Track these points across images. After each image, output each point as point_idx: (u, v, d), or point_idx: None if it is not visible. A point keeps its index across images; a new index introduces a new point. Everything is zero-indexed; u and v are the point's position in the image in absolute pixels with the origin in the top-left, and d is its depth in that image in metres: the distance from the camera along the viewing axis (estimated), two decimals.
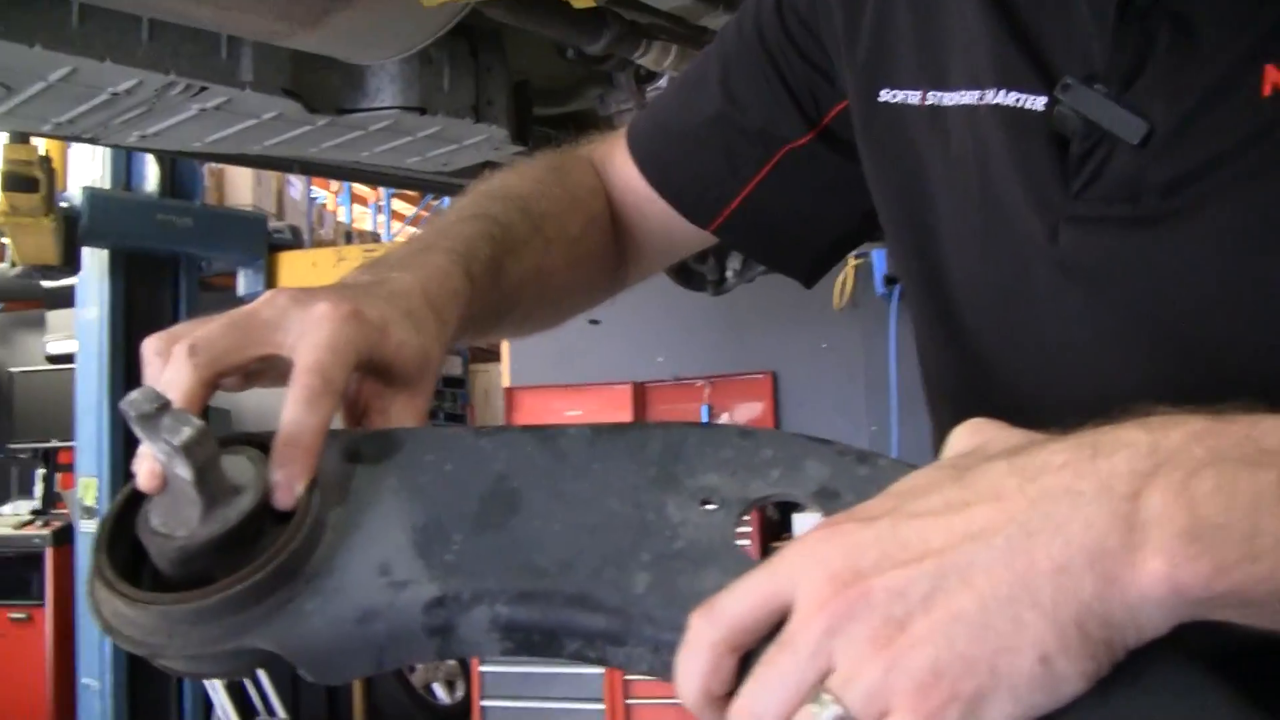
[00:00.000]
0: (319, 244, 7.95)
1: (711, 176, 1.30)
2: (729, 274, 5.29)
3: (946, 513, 0.66)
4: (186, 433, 0.75)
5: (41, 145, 4.10)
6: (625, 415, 8.34)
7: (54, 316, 8.95)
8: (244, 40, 2.86)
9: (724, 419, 8.16)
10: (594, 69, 3.51)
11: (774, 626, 0.67)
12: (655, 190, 1.33)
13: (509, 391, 8.81)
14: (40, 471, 9.12)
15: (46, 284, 6.61)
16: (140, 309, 4.58)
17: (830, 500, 0.77)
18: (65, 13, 2.56)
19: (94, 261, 4.48)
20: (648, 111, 1.39)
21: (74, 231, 4.19)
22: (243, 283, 5.16)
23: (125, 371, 4.51)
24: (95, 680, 4.35)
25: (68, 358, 8.10)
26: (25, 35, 2.52)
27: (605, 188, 1.35)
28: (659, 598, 0.75)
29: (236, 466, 0.82)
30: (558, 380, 8.66)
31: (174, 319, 4.66)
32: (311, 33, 2.63)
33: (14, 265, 4.26)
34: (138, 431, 0.77)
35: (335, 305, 0.89)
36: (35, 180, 3.84)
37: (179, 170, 4.63)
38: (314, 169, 4.37)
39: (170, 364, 0.86)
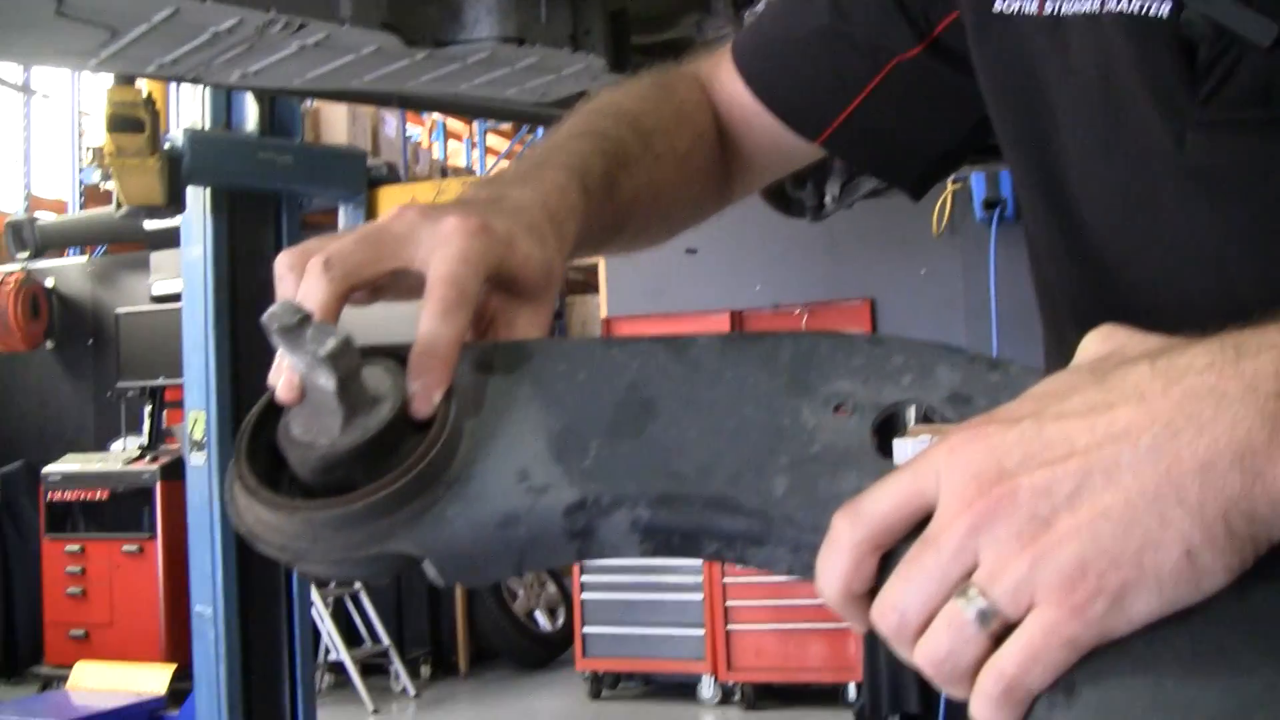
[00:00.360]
0: (416, 179, 7.99)
1: (819, 90, 1.29)
2: (828, 200, 5.23)
3: (1090, 414, 0.66)
4: (331, 344, 0.78)
5: (144, 87, 4.15)
6: None
7: (157, 257, 9.09)
8: None
9: None
10: None
11: (915, 526, 0.69)
12: (762, 104, 1.32)
13: (606, 322, 8.82)
14: (148, 409, 9.30)
15: (152, 224, 6.70)
16: (243, 246, 4.62)
17: (963, 405, 0.78)
18: None
19: (197, 201, 4.52)
20: (753, 26, 1.38)
21: (178, 172, 4.23)
22: (343, 218, 5.19)
23: (230, 307, 4.56)
24: (208, 607, 4.43)
25: (172, 297, 8.23)
26: None
27: (711, 103, 1.35)
28: (799, 500, 0.77)
29: (374, 377, 0.84)
30: (655, 310, 8.66)
31: (277, 246, 4.70)
32: None
33: (120, 206, 4.31)
34: (279, 344, 0.79)
35: (464, 219, 0.90)
36: (140, 121, 3.89)
37: (278, 109, 4.65)
38: (412, 103, 4.38)
39: (306, 278, 0.88)
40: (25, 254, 9.97)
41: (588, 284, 10.86)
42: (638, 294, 8.80)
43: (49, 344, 10.62)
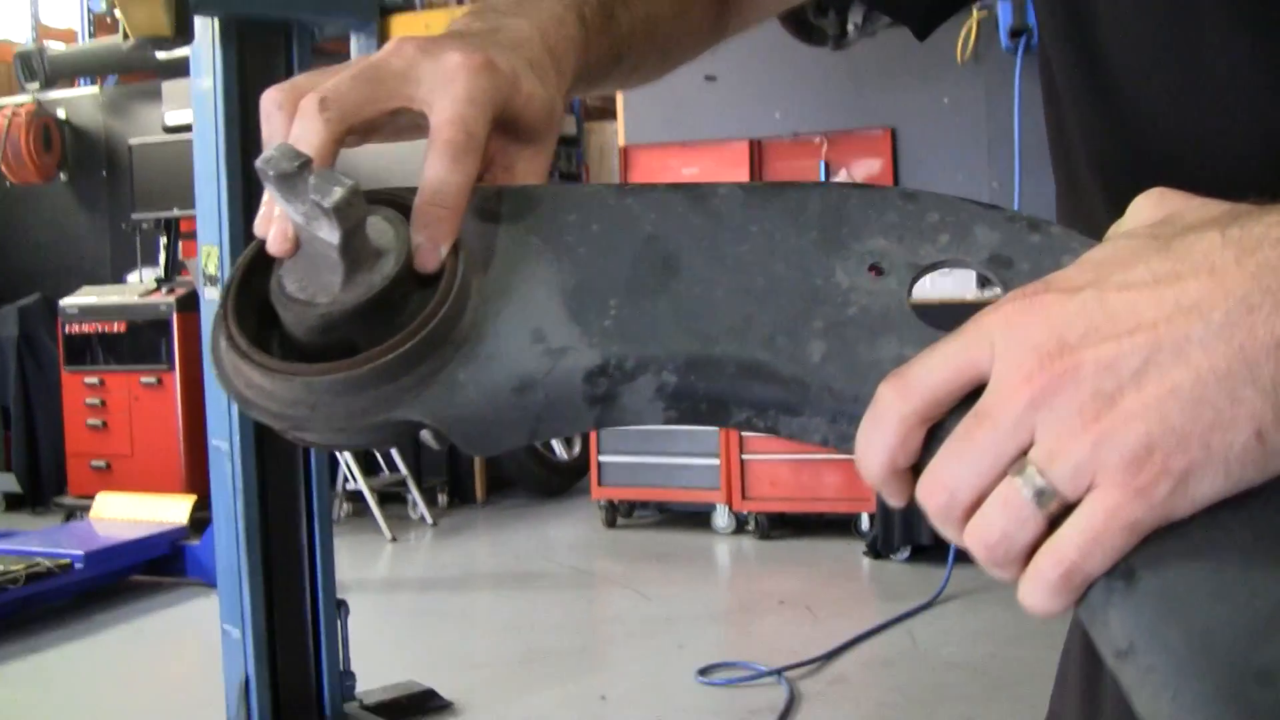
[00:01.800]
0: (430, 6, 7.84)
1: None
2: (850, 28, 5.13)
3: (1156, 285, 0.62)
4: (338, 193, 0.72)
5: None
6: (742, 173, 8.25)
7: (169, 87, 9.00)
8: None
9: (841, 175, 8.04)
10: None
11: (965, 398, 0.65)
12: None
13: (624, 150, 8.74)
14: (163, 240, 9.27)
15: (161, 55, 6.59)
16: (254, 77, 4.52)
17: (1004, 268, 0.74)
18: None
19: (206, 31, 4.41)
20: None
21: (184, 1, 4.13)
22: (355, 48, 5.08)
23: (241, 140, 4.48)
24: (224, 442, 4.43)
25: (185, 128, 8.14)
26: None
27: None
28: (837, 367, 0.72)
29: (375, 228, 0.78)
30: (673, 138, 8.57)
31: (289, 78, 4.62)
32: None
33: (127, 38, 4.22)
34: (275, 192, 0.73)
35: (467, 55, 0.84)
36: None
37: None
38: None
39: (300, 118, 0.81)
40: (35, 85, 9.88)
41: (605, 111, 10.73)
42: (656, 122, 8.70)
43: (62, 176, 10.56)
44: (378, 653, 5.05)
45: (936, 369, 0.66)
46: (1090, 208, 1.01)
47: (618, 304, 0.77)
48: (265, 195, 0.78)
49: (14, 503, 9.61)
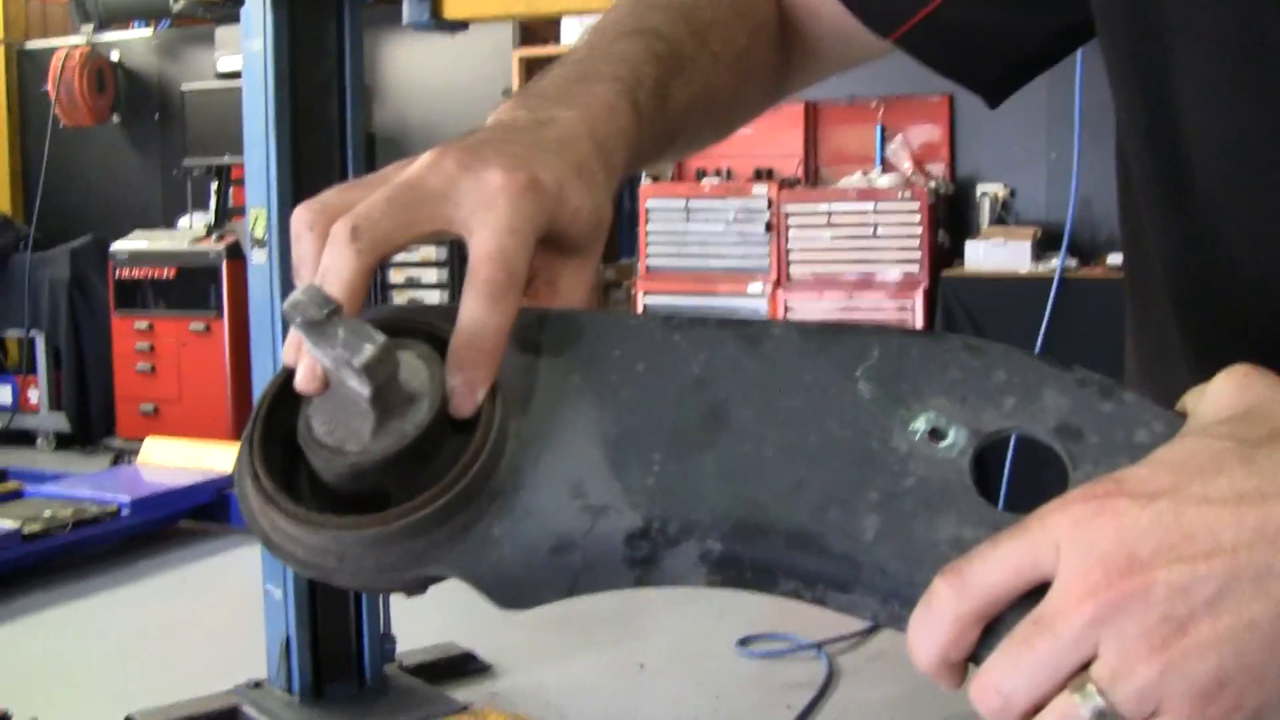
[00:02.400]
0: None
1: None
2: None
3: (1238, 504, 0.59)
4: (368, 351, 0.69)
5: None
6: (796, 135, 8.16)
7: (223, 32, 9.00)
8: None
9: (897, 141, 7.95)
10: None
11: (1027, 595, 0.63)
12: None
13: None
14: (214, 186, 9.28)
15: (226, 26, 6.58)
16: (305, 40, 4.51)
17: (1071, 440, 0.70)
18: None
19: None
20: None
21: None
22: (407, 10, 5.05)
23: (291, 102, 4.47)
24: None
25: (238, 74, 8.13)
26: None
27: None
28: (892, 546, 0.69)
29: (408, 366, 0.74)
30: None
31: (339, 49, 4.60)
32: None
33: (177, 1, 4.20)
34: (303, 338, 0.70)
35: (509, 174, 0.78)
36: None
37: None
38: None
39: (331, 247, 0.76)
40: (89, 27, 9.88)
41: None
42: None
43: (115, 118, 10.57)
44: (418, 615, 5.06)
45: (996, 568, 0.63)
46: (1164, 338, 0.97)
47: (662, 458, 0.73)
48: None
49: (64, 442, 9.69)
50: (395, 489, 0.72)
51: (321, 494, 0.75)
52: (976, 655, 0.65)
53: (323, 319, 0.69)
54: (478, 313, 0.75)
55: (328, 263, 0.76)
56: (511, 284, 0.76)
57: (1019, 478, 5.39)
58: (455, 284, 8.85)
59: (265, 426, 0.76)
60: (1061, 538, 0.62)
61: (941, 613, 0.64)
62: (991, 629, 0.64)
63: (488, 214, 0.77)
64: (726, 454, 0.73)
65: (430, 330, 0.77)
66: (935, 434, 0.71)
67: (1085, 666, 0.60)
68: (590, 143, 0.87)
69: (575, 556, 0.72)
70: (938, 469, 0.71)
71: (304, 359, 0.76)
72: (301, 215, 0.80)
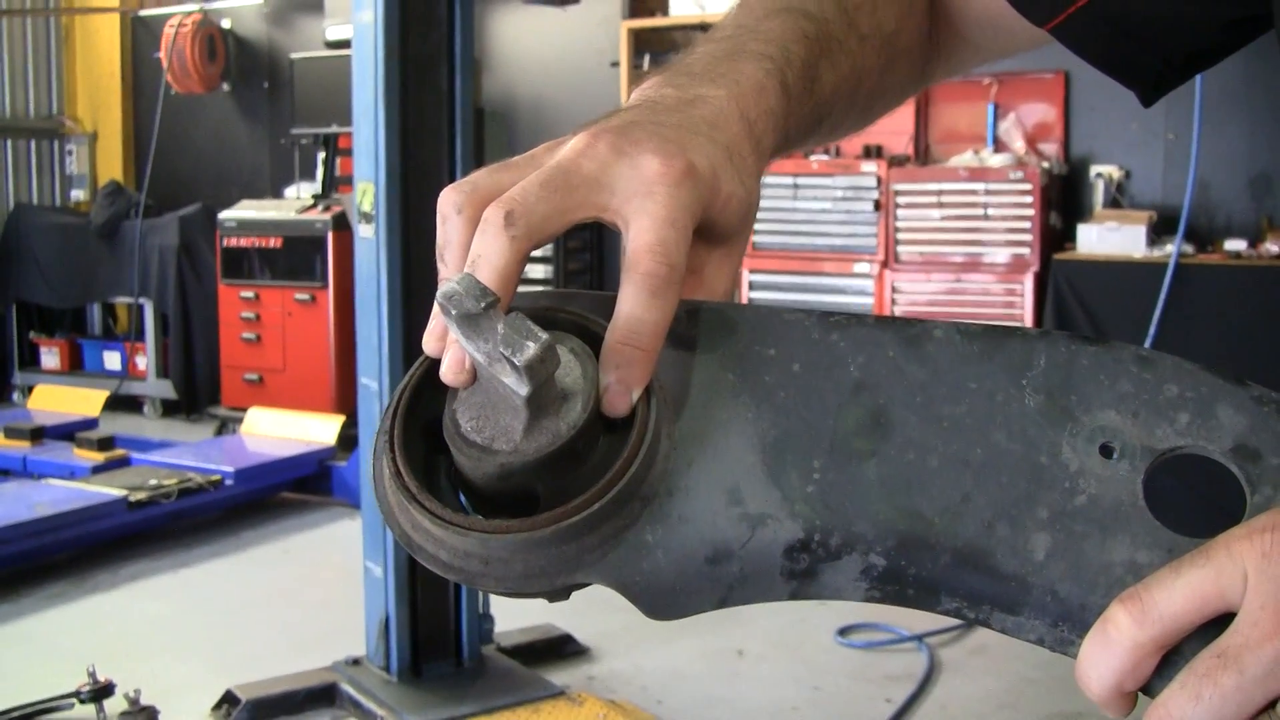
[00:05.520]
0: None
1: None
2: None
3: None
4: (531, 350, 0.64)
5: None
6: (907, 112, 8.02)
7: (332, 2, 8.99)
8: None
9: (1010, 119, 7.79)
10: None
11: (1206, 625, 0.61)
12: None
13: None
14: (321, 156, 9.31)
15: None
16: (415, 10, 4.46)
17: (1249, 461, 0.66)
18: None
19: None
20: None
21: None
22: None
23: (401, 75, 4.43)
24: (373, 381, 4.42)
25: (346, 43, 8.13)
26: None
27: None
28: (1063, 567, 0.66)
29: (560, 358, 0.69)
30: None
31: (450, 21, 4.55)
32: None
33: None
34: (457, 332, 0.66)
35: (667, 161, 0.74)
36: None
37: None
38: None
39: (483, 233, 0.72)
40: None
41: None
42: None
43: (225, 86, 10.66)
44: None
45: (1179, 596, 0.60)
46: None
47: (822, 466, 0.70)
48: (436, 309, 0.70)
49: (170, 409, 9.81)
50: (544, 490, 0.69)
51: (464, 492, 0.72)
52: (1150, 686, 0.62)
53: (480, 312, 0.65)
54: (637, 309, 0.71)
55: (481, 249, 0.72)
56: (672, 278, 0.72)
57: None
58: (560, 259, 8.81)
59: (405, 419, 0.72)
60: (1250, 568, 0.59)
61: (1120, 640, 0.62)
62: (1168, 659, 0.62)
63: (646, 202, 0.73)
64: (889, 463, 0.70)
65: (582, 324, 0.73)
66: (1106, 450, 0.68)
67: (1271, 705, 0.58)
68: (741, 124, 0.84)
69: (732, 567, 0.69)
70: (1109, 487, 0.67)
71: (452, 350, 0.71)
72: (450, 197, 0.76)
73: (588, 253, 9.18)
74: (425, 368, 0.73)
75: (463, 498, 0.72)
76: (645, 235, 0.72)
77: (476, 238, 0.73)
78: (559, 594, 0.71)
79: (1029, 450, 0.69)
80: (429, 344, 0.73)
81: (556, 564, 0.68)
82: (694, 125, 0.80)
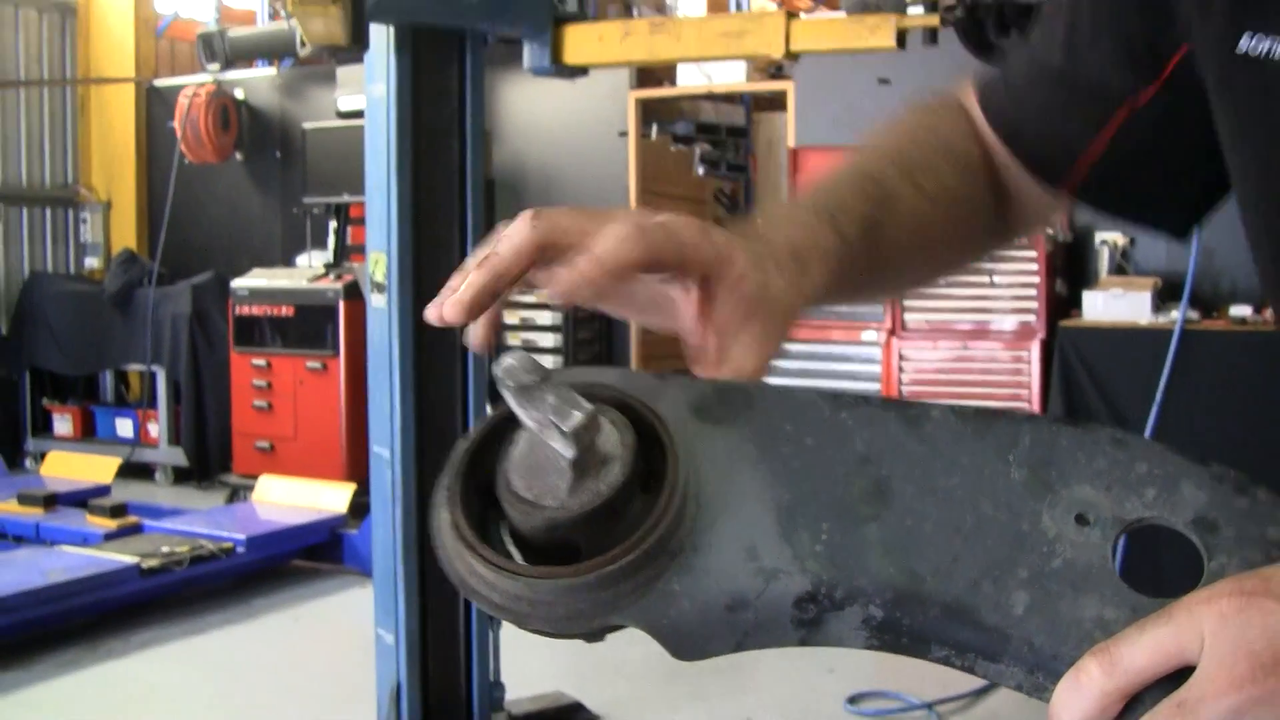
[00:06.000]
0: (602, 19, 7.82)
1: (1058, 137, 1.17)
2: None
3: None
4: (577, 418, 0.74)
5: None
6: None
7: (344, 72, 9.11)
8: None
9: None
10: None
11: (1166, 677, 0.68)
12: (1008, 149, 1.21)
13: (793, 152, 8.65)
14: (332, 225, 9.40)
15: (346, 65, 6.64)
16: (427, 85, 4.54)
17: (1208, 532, 0.75)
18: None
19: (381, 38, 4.44)
20: (999, 59, 1.26)
21: (361, 10, 4.14)
22: (528, 55, 5.07)
23: (413, 147, 4.50)
24: (385, 449, 4.46)
25: (358, 113, 8.21)
26: None
27: (978, 133, 1.23)
28: (1040, 622, 0.74)
29: (601, 431, 0.78)
30: (844, 140, 8.45)
31: (461, 94, 4.62)
32: None
33: (304, 45, 4.26)
34: (513, 401, 0.75)
35: (647, 214, 0.85)
36: None
37: None
38: None
39: (512, 224, 0.84)
40: (216, 65, 10.05)
41: (774, 103, 10.63)
42: (827, 122, 8.59)
43: (238, 155, 10.77)
44: (527, 661, 5.05)
45: (1144, 651, 0.68)
46: None
47: (829, 528, 0.78)
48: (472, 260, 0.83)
49: (182, 476, 9.85)
50: (585, 542, 0.77)
51: (513, 540, 0.79)
52: None
53: (533, 384, 0.75)
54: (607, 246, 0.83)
55: (505, 232, 0.84)
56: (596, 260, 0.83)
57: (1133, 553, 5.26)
58: (569, 329, 8.87)
59: (464, 476, 0.80)
60: (1207, 629, 0.66)
61: (1089, 687, 0.69)
62: (1132, 706, 0.69)
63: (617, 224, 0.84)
64: (889, 527, 0.78)
65: (621, 398, 0.81)
66: (1081, 519, 0.76)
67: None
68: (785, 247, 0.93)
69: (748, 615, 0.76)
70: (1083, 552, 0.76)
71: (481, 329, 0.84)
72: (532, 231, 0.84)
73: (596, 320, 9.24)
74: (483, 434, 0.81)
75: (513, 547, 0.79)
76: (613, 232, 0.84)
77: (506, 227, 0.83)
78: (596, 635, 0.79)
79: (1013, 518, 0.77)
80: (440, 311, 0.83)
81: (595, 607, 0.76)
82: (736, 230, 0.90)
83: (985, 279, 7.35)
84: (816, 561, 0.77)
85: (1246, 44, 0.98)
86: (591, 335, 9.20)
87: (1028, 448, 0.79)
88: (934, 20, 4.76)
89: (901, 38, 4.76)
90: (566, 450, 0.75)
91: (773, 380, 0.86)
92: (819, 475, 0.80)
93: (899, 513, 0.78)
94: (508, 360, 0.75)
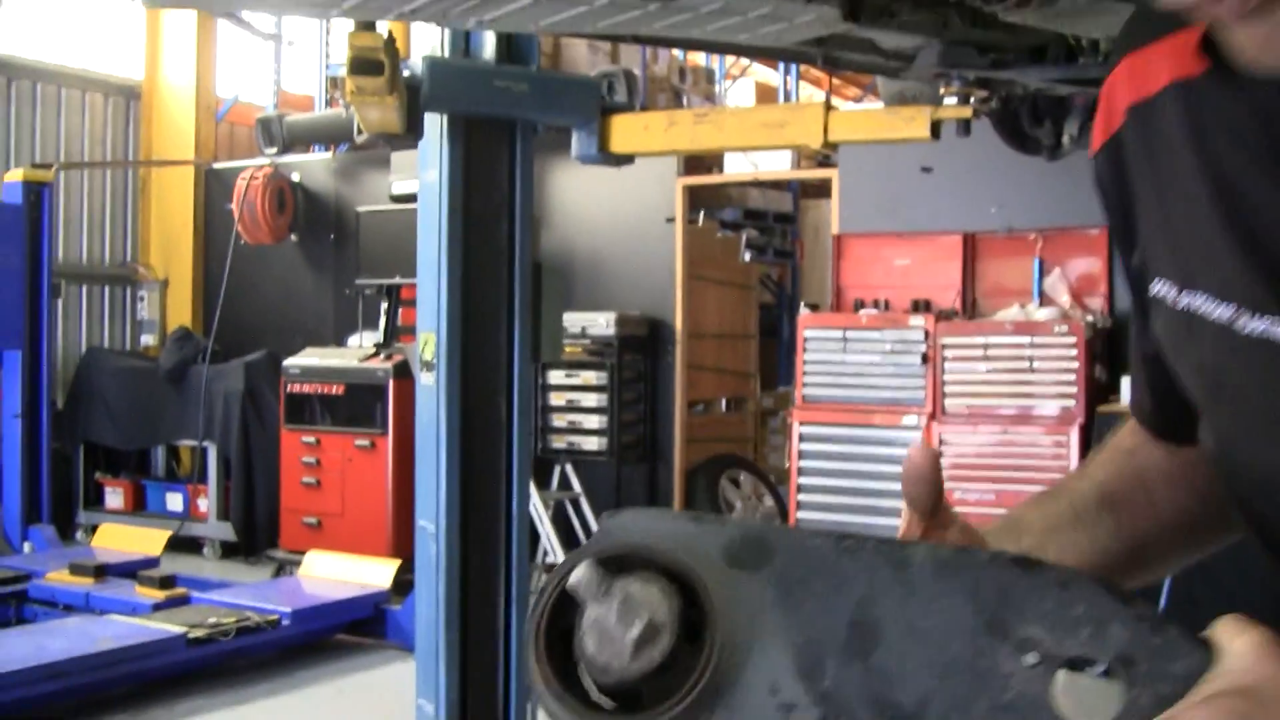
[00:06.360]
0: (649, 110, 8.00)
1: (1166, 407, 1.24)
2: (1065, 139, 5.11)
3: None
4: (638, 627, 0.90)
5: (385, 27, 4.23)
6: (955, 267, 8.22)
7: (398, 157, 9.32)
8: None
9: (1054, 275, 7.96)
10: None
11: None
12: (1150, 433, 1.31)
13: (837, 239, 8.77)
14: (383, 306, 9.58)
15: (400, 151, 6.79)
16: (479, 171, 4.70)
17: (1127, 666, 0.87)
18: None
19: (435, 127, 4.60)
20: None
21: (416, 99, 4.30)
22: (576, 144, 5.23)
23: (464, 231, 4.65)
24: (430, 523, 4.58)
25: (411, 197, 8.40)
26: None
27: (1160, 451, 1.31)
28: None
29: (651, 600, 0.93)
30: (887, 228, 8.58)
31: (510, 181, 4.78)
32: None
33: (360, 133, 4.43)
34: (587, 609, 0.91)
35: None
36: (381, 64, 3.98)
37: (515, 37, 4.69)
38: (646, 40, 4.39)
39: None
40: (273, 149, 10.27)
41: (821, 189, 10.76)
42: (870, 210, 8.72)
43: (293, 237, 11.01)
44: None
45: None
46: None
47: (835, 665, 0.92)
48: None
49: (229, 550, 9.99)
50: (646, 691, 0.93)
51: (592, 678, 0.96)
52: None
53: (600, 597, 0.91)
54: None
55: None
56: None
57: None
58: (614, 410, 8.99)
59: (548, 635, 0.96)
60: None
61: None
62: None
63: None
64: (881, 664, 0.92)
65: (670, 566, 0.95)
66: (1028, 656, 0.90)
67: None
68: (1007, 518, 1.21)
69: None
70: (1030, 686, 0.89)
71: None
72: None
73: (641, 402, 9.37)
74: (559, 593, 0.96)
75: (590, 683, 0.95)
76: None
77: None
78: None
79: (976, 657, 0.91)
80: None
81: None
82: None
83: (1025, 364, 7.43)
84: (824, 695, 0.91)
85: (1155, 289, 1.08)
86: (635, 417, 9.32)
87: (992, 592, 0.92)
88: (967, 111, 4.88)
89: (936, 128, 4.89)
90: (627, 636, 0.90)
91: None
92: (825, 617, 0.94)
93: (887, 652, 0.92)
94: (578, 574, 0.91)
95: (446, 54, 4.58)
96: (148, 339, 11.65)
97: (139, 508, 10.61)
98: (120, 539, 8.90)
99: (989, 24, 3.94)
